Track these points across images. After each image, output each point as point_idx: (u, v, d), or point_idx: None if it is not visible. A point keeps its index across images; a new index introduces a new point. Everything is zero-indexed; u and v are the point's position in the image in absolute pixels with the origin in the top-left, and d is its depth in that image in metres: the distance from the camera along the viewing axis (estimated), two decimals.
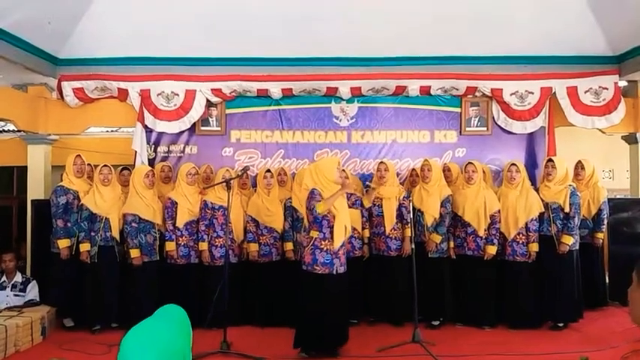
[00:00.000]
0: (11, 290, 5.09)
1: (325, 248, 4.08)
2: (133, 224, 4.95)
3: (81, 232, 4.95)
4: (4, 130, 7.28)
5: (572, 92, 5.83)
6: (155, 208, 5.05)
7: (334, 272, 4.10)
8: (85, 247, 4.92)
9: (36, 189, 6.13)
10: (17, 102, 5.94)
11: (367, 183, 4.42)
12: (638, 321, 1.44)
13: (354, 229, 5.09)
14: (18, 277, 5.17)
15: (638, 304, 1.40)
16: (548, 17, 5.39)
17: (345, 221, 4.14)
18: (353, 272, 5.08)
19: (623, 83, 6.17)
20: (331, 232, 4.09)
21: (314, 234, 4.12)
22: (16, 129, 6.45)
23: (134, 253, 4.92)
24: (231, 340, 4.28)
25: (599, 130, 6.06)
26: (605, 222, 5.50)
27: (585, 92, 5.82)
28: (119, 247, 5.04)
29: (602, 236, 5.50)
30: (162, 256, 5.09)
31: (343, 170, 5.19)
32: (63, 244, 4.93)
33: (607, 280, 5.75)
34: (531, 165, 5.89)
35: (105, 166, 5.10)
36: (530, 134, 5.99)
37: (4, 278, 5.13)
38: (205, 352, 4.04)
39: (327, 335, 4.11)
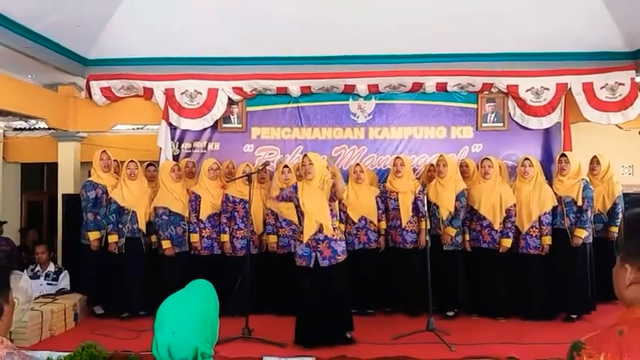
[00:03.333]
0: (44, 279, 5.38)
1: (301, 240, 4.29)
2: (164, 217, 5.17)
3: (109, 225, 5.19)
4: (35, 128, 7.58)
5: (588, 88, 5.85)
6: (184, 202, 5.27)
7: (311, 265, 4.23)
8: (113, 238, 5.16)
9: (66, 184, 6.40)
10: (48, 101, 6.22)
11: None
12: (619, 296, 1.60)
13: (370, 221, 5.24)
14: (51, 267, 5.46)
15: (619, 280, 1.57)
16: (563, 13, 5.41)
17: (316, 216, 4.23)
18: (369, 264, 5.23)
19: (639, 79, 6.17)
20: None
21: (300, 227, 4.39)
22: (47, 127, 6.73)
23: (166, 244, 5.14)
24: (253, 326, 4.47)
25: (617, 125, 6.07)
26: (620, 216, 5.54)
27: (601, 88, 5.83)
28: (145, 239, 5.27)
29: (616, 230, 5.54)
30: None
31: (358, 165, 5.36)
32: (93, 236, 5.17)
33: None
34: (547, 160, 5.91)
35: (132, 161, 5.33)
36: (546, 130, 6.02)
37: (38, 268, 5.42)
38: (228, 338, 4.23)
39: (308, 326, 4.25)
